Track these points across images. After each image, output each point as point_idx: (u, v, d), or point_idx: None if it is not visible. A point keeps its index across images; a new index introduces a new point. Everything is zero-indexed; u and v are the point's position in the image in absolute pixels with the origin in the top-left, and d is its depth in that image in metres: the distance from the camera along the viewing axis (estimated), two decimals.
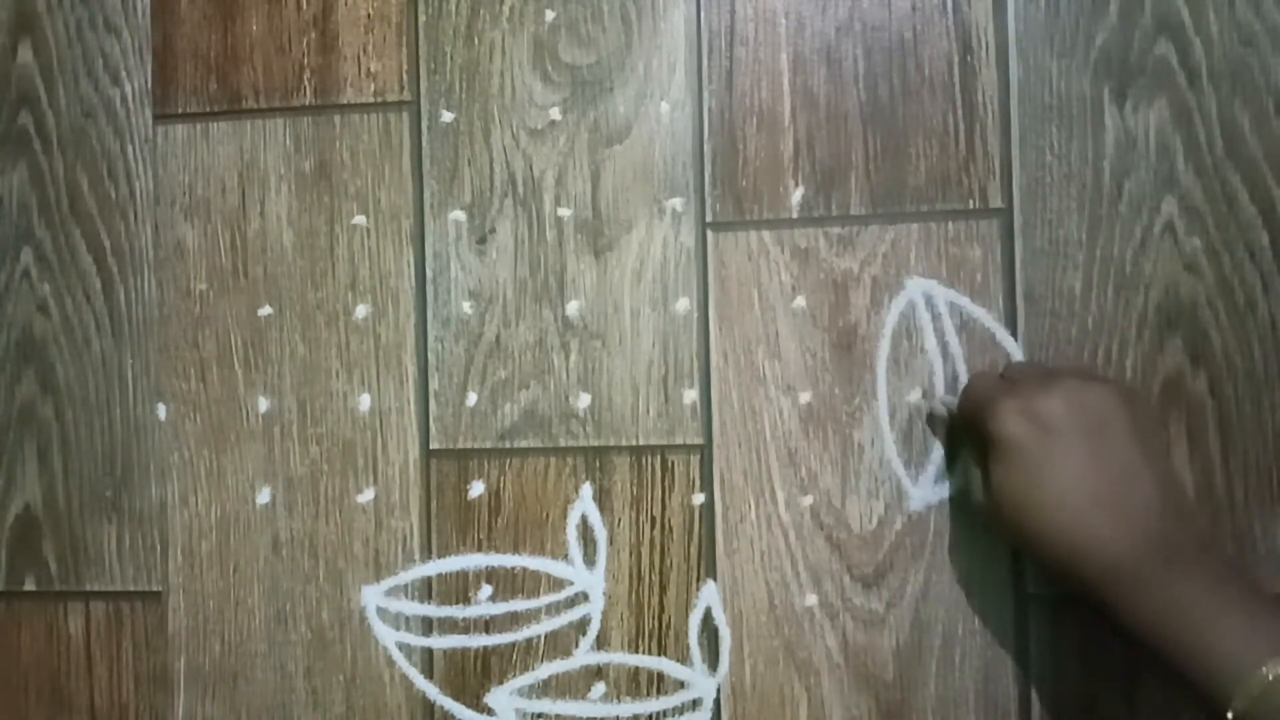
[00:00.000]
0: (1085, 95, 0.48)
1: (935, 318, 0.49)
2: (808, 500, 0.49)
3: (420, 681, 0.51)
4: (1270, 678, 0.34)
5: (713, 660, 0.50)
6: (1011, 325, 0.48)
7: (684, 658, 0.50)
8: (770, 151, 0.50)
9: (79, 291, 0.55)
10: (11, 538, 0.55)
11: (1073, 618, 0.47)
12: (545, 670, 0.50)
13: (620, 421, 0.51)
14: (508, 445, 0.51)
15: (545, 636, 0.51)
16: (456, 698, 0.51)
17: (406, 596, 0.52)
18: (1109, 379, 0.44)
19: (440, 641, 0.51)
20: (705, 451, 0.50)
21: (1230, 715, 0.34)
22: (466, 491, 0.52)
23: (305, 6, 0.53)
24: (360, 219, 0.53)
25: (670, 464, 0.50)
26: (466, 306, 0.52)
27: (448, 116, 0.52)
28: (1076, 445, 0.39)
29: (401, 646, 0.52)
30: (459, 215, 0.52)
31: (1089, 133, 0.48)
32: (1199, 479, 0.47)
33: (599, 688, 0.50)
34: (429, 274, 0.52)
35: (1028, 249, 0.48)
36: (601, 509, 0.51)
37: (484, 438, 0.52)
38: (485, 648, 0.51)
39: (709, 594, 0.50)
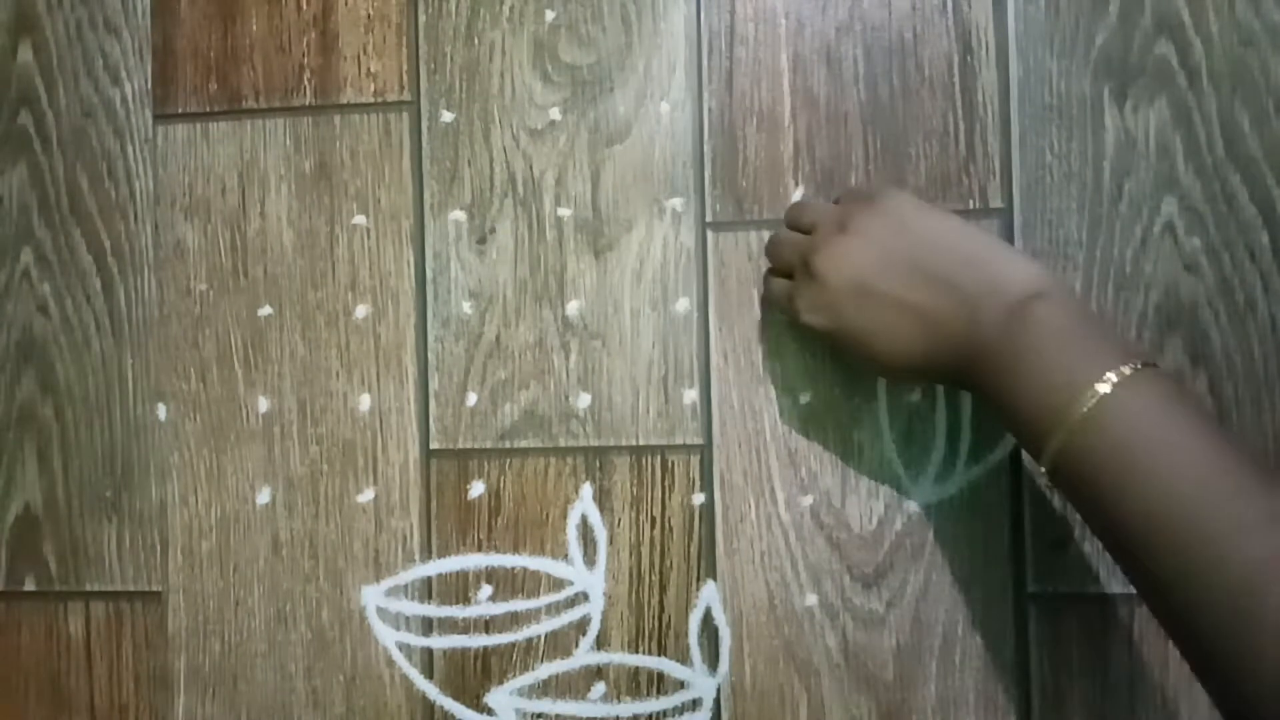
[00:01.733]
0: (1085, 95, 0.48)
1: None
2: (808, 500, 0.49)
3: (420, 681, 0.51)
4: (1084, 409, 0.35)
5: (713, 660, 0.50)
6: None
7: (684, 658, 0.50)
8: (770, 151, 0.50)
9: (79, 291, 0.55)
10: (11, 538, 0.55)
11: (1073, 618, 0.47)
12: (545, 670, 0.50)
13: (620, 421, 0.51)
14: (508, 445, 0.51)
15: (545, 636, 0.51)
16: (456, 698, 0.51)
17: (406, 596, 0.52)
18: (872, 199, 0.43)
19: (440, 641, 0.51)
20: (705, 451, 0.50)
21: (1053, 446, 0.35)
22: (466, 491, 0.52)
23: (305, 6, 0.53)
24: (360, 219, 0.53)
25: (670, 464, 0.50)
26: (466, 306, 0.52)
27: (448, 116, 0.52)
28: (865, 304, 0.41)
29: (401, 646, 0.52)
30: (459, 215, 0.52)
31: (1089, 133, 0.48)
32: None
33: (599, 688, 0.50)
34: (429, 274, 0.52)
35: (1028, 249, 0.48)
36: (601, 509, 0.51)
37: (484, 438, 0.52)
38: (485, 648, 0.51)
39: (709, 594, 0.50)
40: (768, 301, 0.49)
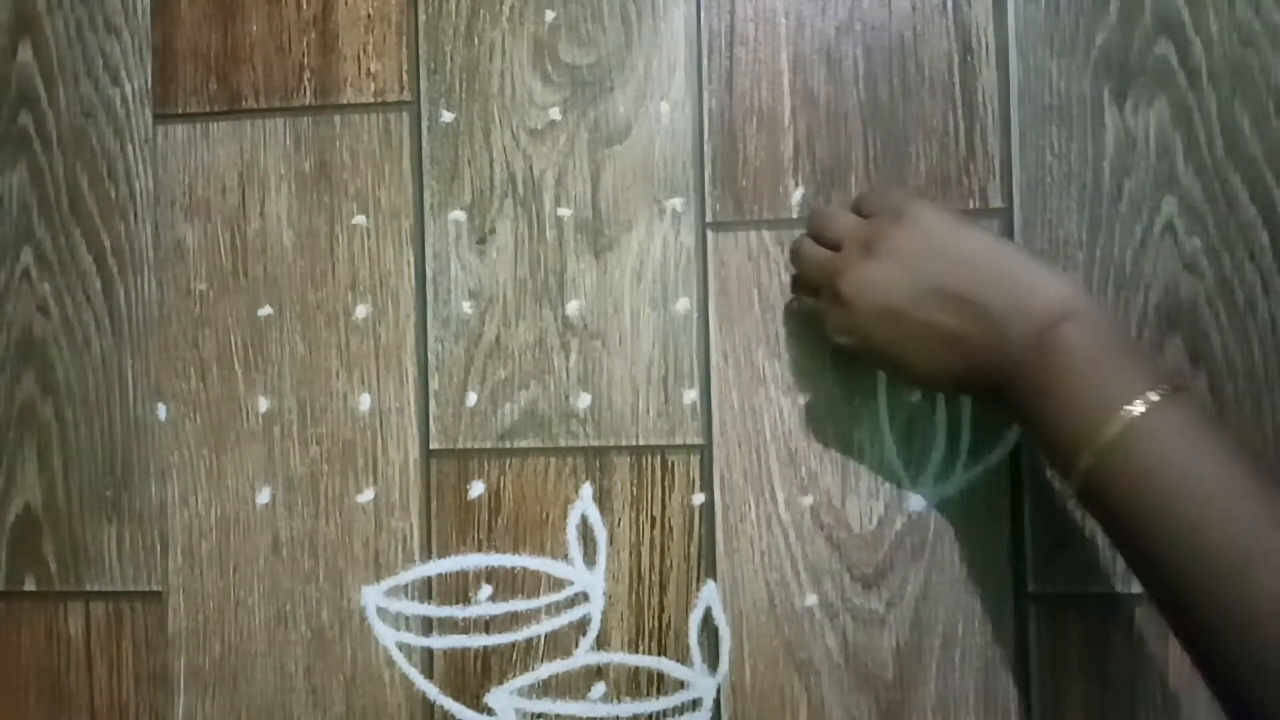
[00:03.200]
0: (1085, 95, 0.48)
1: None
2: (808, 500, 0.49)
3: (420, 681, 0.51)
4: (1114, 432, 0.35)
5: (713, 660, 0.50)
6: None
7: (684, 658, 0.50)
8: (770, 151, 0.50)
9: (79, 291, 0.55)
10: (11, 538, 0.55)
11: (1073, 618, 0.47)
12: (545, 670, 0.50)
13: (620, 421, 0.51)
14: (508, 445, 0.51)
15: (545, 636, 0.51)
16: (456, 698, 0.51)
17: (406, 596, 0.52)
18: (901, 206, 0.42)
19: (440, 641, 0.51)
20: (705, 451, 0.50)
21: (1081, 467, 0.35)
22: (466, 491, 0.52)
23: (305, 6, 0.53)
24: (360, 219, 0.53)
25: (670, 464, 0.50)
26: (466, 306, 0.52)
27: (448, 116, 0.52)
28: (895, 327, 0.41)
29: (401, 646, 0.52)
30: (459, 215, 0.52)
31: (1089, 133, 0.48)
32: None
33: (599, 688, 0.50)
34: (429, 274, 0.52)
35: (1028, 249, 0.48)
36: (601, 509, 0.51)
37: (484, 438, 0.52)
38: (485, 648, 0.51)
39: (709, 594, 0.50)
40: (795, 314, 0.49)
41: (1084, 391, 0.36)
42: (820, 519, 0.49)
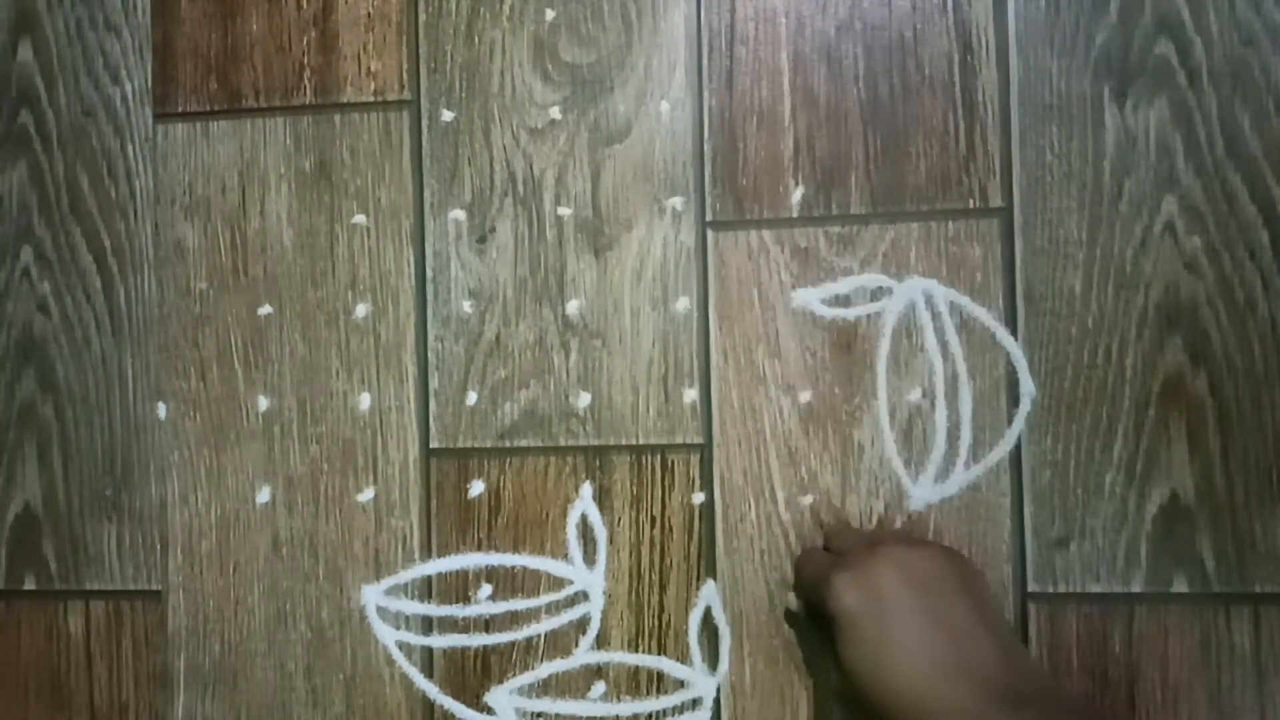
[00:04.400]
0: (1085, 95, 0.48)
1: (935, 317, 0.49)
2: (808, 500, 0.49)
3: (420, 680, 0.51)
4: None
5: (712, 659, 0.50)
6: (1011, 325, 0.48)
7: (684, 657, 0.50)
8: (770, 151, 0.50)
9: (79, 290, 0.55)
10: (11, 537, 0.55)
11: (1073, 618, 0.47)
12: (545, 669, 0.50)
13: (620, 421, 0.51)
14: (508, 444, 0.51)
15: (545, 636, 0.51)
16: (456, 697, 0.51)
17: (406, 596, 0.52)
18: (929, 541, 0.45)
19: (440, 640, 0.51)
20: (705, 451, 0.50)
21: None
22: (466, 491, 0.52)
23: (305, 5, 0.53)
24: (360, 218, 0.53)
25: (670, 463, 0.50)
26: (466, 306, 0.52)
27: (448, 115, 0.52)
28: (912, 610, 0.39)
29: (401, 645, 0.52)
30: (459, 214, 0.52)
31: (1089, 132, 0.48)
32: (1199, 479, 0.47)
33: (599, 687, 0.50)
34: (429, 273, 0.52)
35: (1028, 248, 0.48)
36: (601, 508, 0.51)
37: (484, 437, 0.52)
38: (485, 647, 0.51)
39: (709, 593, 0.50)
40: (799, 573, 0.48)
41: None
42: (820, 518, 0.49)
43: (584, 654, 0.50)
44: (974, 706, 0.38)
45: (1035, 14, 0.49)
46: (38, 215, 0.55)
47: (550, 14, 0.52)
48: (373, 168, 0.53)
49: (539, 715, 0.50)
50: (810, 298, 0.50)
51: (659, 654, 0.50)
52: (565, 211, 0.51)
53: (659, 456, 0.50)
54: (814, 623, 0.46)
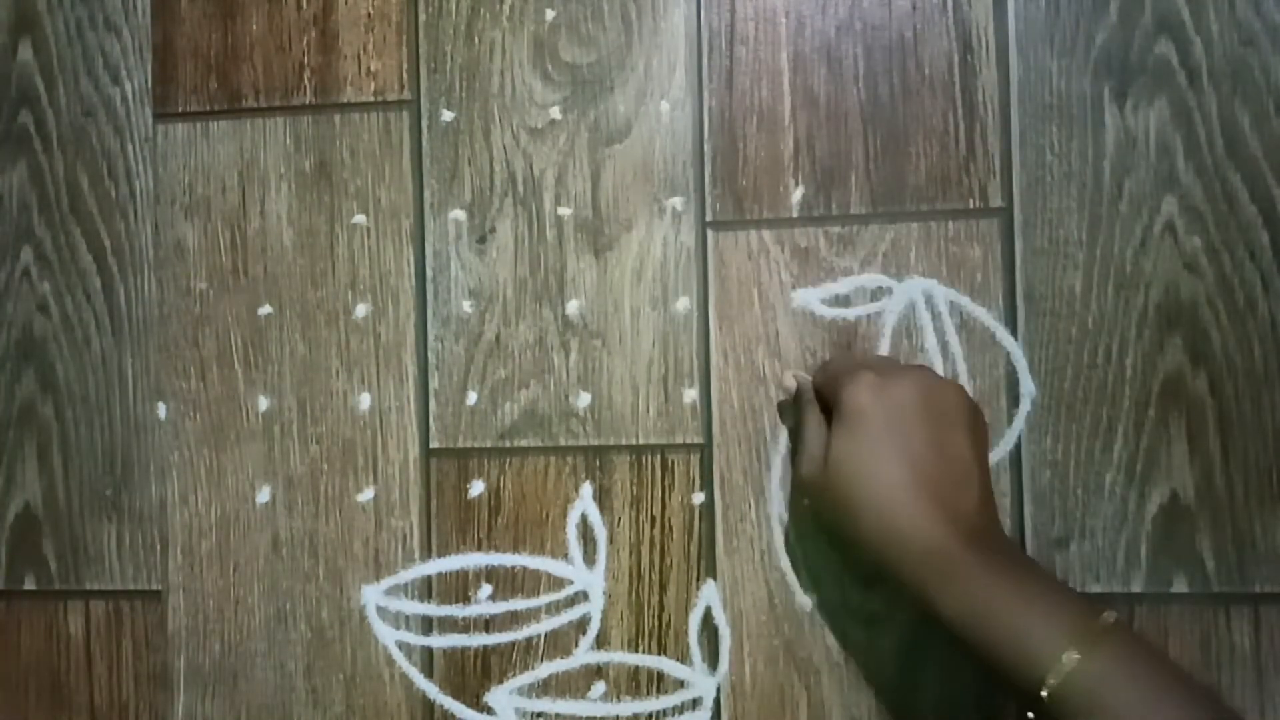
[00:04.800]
0: (1085, 95, 0.48)
1: (935, 317, 0.49)
2: (807, 500, 0.49)
3: (420, 680, 0.51)
4: (1071, 662, 0.36)
5: (712, 659, 0.50)
6: (1011, 325, 0.48)
7: (684, 657, 0.50)
8: (770, 151, 0.50)
9: (79, 291, 0.55)
10: (11, 537, 0.55)
11: None
12: (545, 669, 0.50)
13: (620, 421, 0.51)
14: (508, 444, 0.51)
15: (545, 636, 0.51)
16: (456, 697, 0.51)
17: (406, 596, 0.52)
18: (958, 384, 0.45)
19: (440, 640, 0.51)
20: (705, 451, 0.50)
21: (1044, 694, 0.36)
22: (466, 491, 0.52)
23: (305, 5, 0.53)
24: (360, 218, 0.53)
25: (670, 463, 0.50)
26: (466, 306, 0.52)
27: (448, 115, 0.52)
28: (917, 427, 0.40)
29: (401, 645, 0.52)
30: (459, 214, 0.52)
31: (1089, 132, 0.48)
32: (1199, 479, 0.47)
33: (599, 687, 0.50)
34: (429, 273, 0.52)
35: (1028, 248, 0.48)
36: (601, 508, 0.51)
37: (484, 437, 0.52)
38: (485, 647, 0.51)
39: (709, 593, 0.50)
40: (825, 366, 0.47)
41: (1041, 621, 0.38)
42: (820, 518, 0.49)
43: (584, 654, 0.50)
44: (942, 536, 0.39)
45: (1035, 14, 0.49)
46: (38, 215, 0.55)
47: (550, 14, 0.52)
48: (373, 168, 0.53)
49: (539, 715, 0.50)
50: (810, 298, 0.50)
51: (659, 654, 0.50)
52: (565, 211, 0.51)
53: (659, 456, 0.50)
54: (809, 415, 0.45)
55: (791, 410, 0.49)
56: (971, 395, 0.44)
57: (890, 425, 0.40)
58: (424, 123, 0.53)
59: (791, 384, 0.48)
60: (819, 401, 0.45)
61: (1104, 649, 0.36)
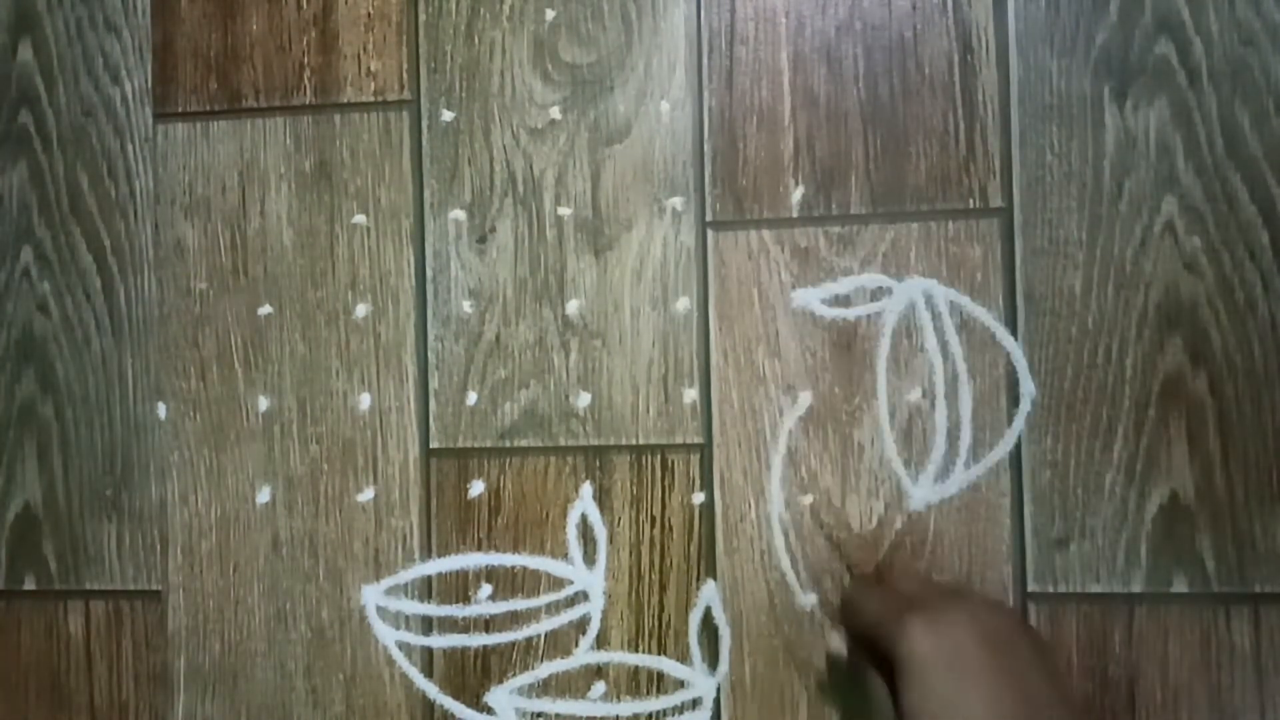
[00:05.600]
0: (1085, 95, 0.48)
1: (935, 317, 0.49)
2: (807, 500, 0.49)
3: (420, 680, 0.51)
4: None
5: (712, 659, 0.50)
6: (1011, 325, 0.48)
7: (684, 657, 0.50)
8: (770, 151, 0.50)
9: (79, 290, 0.55)
10: (11, 537, 0.55)
11: (1073, 618, 0.47)
12: (545, 669, 0.50)
13: (620, 421, 0.51)
14: (508, 444, 0.51)
15: (545, 636, 0.51)
16: (456, 697, 0.51)
17: (406, 596, 0.52)
18: (1001, 602, 0.44)
19: (440, 640, 0.51)
20: (705, 451, 0.50)
21: None
22: (466, 491, 0.52)
23: (305, 6, 0.53)
24: (360, 218, 0.53)
25: (670, 463, 0.50)
26: (466, 306, 0.52)
27: (448, 115, 0.52)
28: (988, 667, 0.38)
29: (401, 645, 0.52)
30: (459, 214, 0.52)
31: (1089, 132, 0.48)
32: (1199, 479, 0.47)
33: (599, 687, 0.50)
34: (429, 273, 0.52)
35: (1028, 248, 0.48)
36: (601, 508, 0.51)
37: (484, 437, 0.52)
38: (485, 647, 0.51)
39: (709, 593, 0.50)
40: (855, 607, 0.45)
41: None
42: (820, 518, 0.49)
43: (584, 654, 0.50)
44: None
45: (1035, 14, 0.49)
46: (38, 215, 0.55)
47: (550, 14, 0.52)
48: (373, 168, 0.53)
49: (539, 715, 0.50)
50: (810, 298, 0.50)
51: (659, 654, 0.50)
52: (565, 211, 0.51)
53: (659, 456, 0.50)
54: (860, 662, 0.43)
55: (836, 669, 0.48)
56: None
57: (956, 674, 0.38)
58: (424, 123, 0.53)
59: (841, 648, 0.45)
60: (859, 643, 0.43)
61: None
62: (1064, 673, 0.41)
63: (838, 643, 0.45)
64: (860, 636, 0.43)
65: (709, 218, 0.51)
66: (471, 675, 0.51)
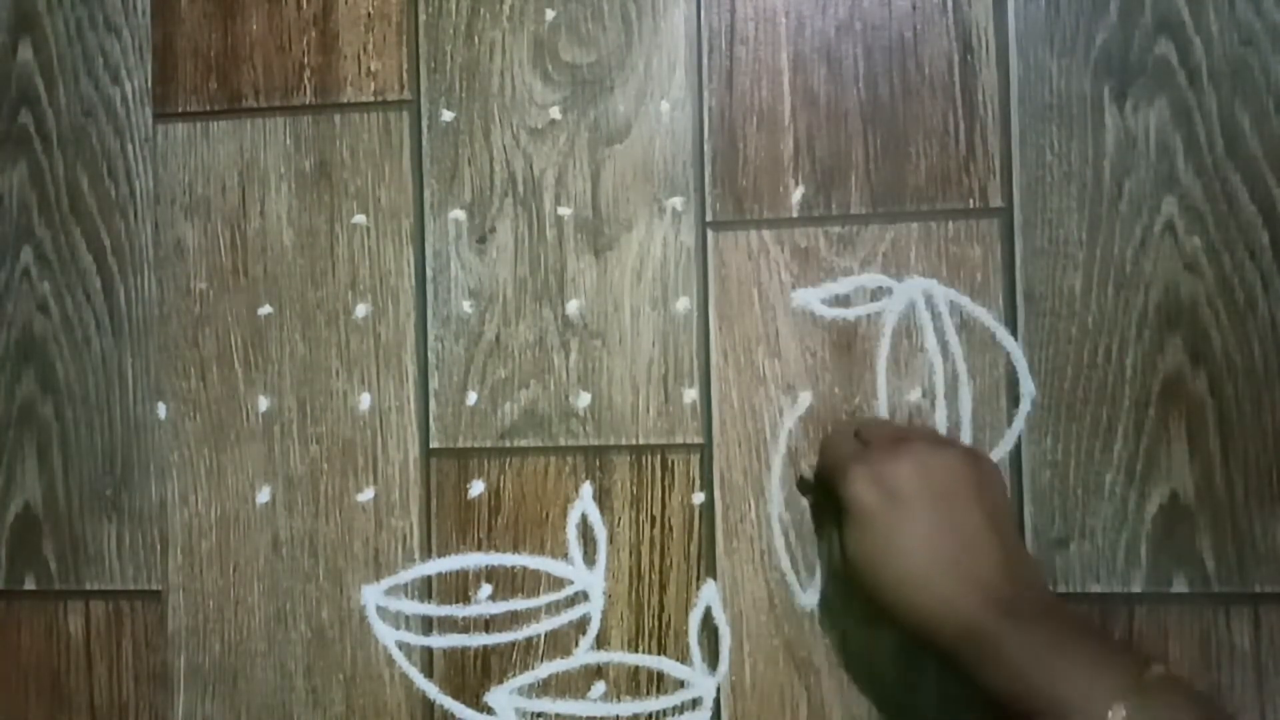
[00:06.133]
0: (1085, 95, 0.48)
1: (935, 317, 0.49)
2: (807, 499, 0.49)
3: (420, 680, 0.51)
4: (1118, 717, 0.35)
5: (712, 659, 0.50)
6: (1011, 325, 0.48)
7: (684, 657, 0.50)
8: (770, 151, 0.50)
9: (79, 290, 0.55)
10: (11, 537, 0.55)
11: None
12: (545, 669, 0.50)
13: (620, 421, 0.51)
14: (508, 444, 0.51)
15: (545, 636, 0.51)
16: (456, 697, 0.51)
17: (406, 596, 0.52)
18: (956, 443, 0.45)
19: (440, 640, 0.51)
20: (705, 451, 0.50)
21: None
22: (466, 490, 0.52)
23: (305, 5, 0.53)
24: (360, 218, 0.53)
25: (670, 463, 0.50)
26: (466, 306, 0.52)
27: (448, 115, 0.52)
28: (923, 512, 0.40)
29: (401, 645, 0.52)
30: (459, 214, 0.52)
31: (1089, 132, 0.48)
32: (1199, 479, 0.47)
33: (599, 687, 0.50)
34: (429, 273, 0.52)
35: (1028, 248, 0.48)
36: (601, 508, 0.51)
37: (484, 437, 0.52)
38: (485, 647, 0.51)
39: (709, 593, 0.50)
40: (823, 451, 0.46)
41: (1081, 682, 0.36)
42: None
43: (584, 654, 0.50)
44: (971, 614, 0.38)
45: (1035, 14, 0.49)
46: (38, 215, 0.55)
47: (550, 14, 0.52)
48: (373, 168, 0.53)
49: (539, 715, 0.50)
50: (810, 298, 0.50)
51: (659, 654, 0.50)
52: (565, 211, 0.51)
53: (659, 456, 0.50)
54: (824, 497, 0.45)
55: (809, 488, 0.49)
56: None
57: (892, 520, 0.40)
58: (424, 123, 0.53)
59: (808, 473, 0.48)
60: (825, 486, 0.44)
61: (1151, 701, 0.35)
62: (1007, 513, 0.42)
63: (809, 473, 0.48)
64: (822, 480, 0.45)
65: (709, 218, 0.51)
66: (471, 675, 0.51)
